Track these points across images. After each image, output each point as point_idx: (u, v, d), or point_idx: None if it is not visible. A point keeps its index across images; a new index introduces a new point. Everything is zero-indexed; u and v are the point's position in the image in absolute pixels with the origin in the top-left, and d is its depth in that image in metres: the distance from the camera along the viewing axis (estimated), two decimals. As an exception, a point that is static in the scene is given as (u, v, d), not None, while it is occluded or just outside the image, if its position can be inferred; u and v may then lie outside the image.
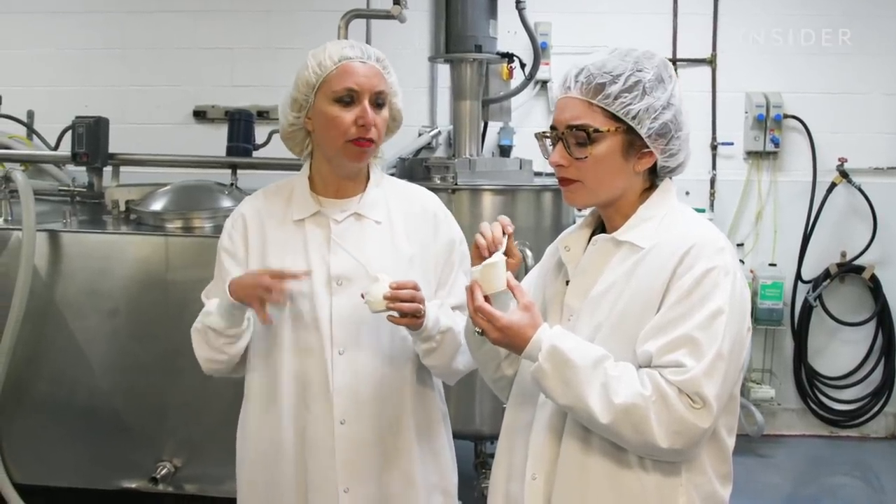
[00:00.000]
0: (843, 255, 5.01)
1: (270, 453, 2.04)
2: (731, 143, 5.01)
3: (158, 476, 3.13)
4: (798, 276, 5.02)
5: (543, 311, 1.75)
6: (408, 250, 2.04)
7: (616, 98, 1.63)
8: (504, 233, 1.72)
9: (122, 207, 3.48)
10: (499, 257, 1.68)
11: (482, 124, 4.28)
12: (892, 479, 4.68)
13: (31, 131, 4.37)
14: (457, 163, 3.77)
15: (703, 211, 4.84)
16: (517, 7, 4.22)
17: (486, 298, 1.65)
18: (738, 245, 4.97)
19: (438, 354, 1.99)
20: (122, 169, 3.74)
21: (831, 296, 5.04)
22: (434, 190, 2.24)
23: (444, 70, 4.71)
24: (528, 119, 4.90)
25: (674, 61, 4.83)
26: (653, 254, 1.64)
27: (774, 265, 4.99)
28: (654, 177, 1.72)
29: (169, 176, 3.67)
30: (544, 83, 4.91)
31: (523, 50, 4.39)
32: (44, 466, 3.23)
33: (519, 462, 1.73)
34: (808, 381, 5.08)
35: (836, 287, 5.06)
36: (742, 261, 4.84)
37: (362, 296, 1.89)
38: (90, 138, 3.52)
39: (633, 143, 1.65)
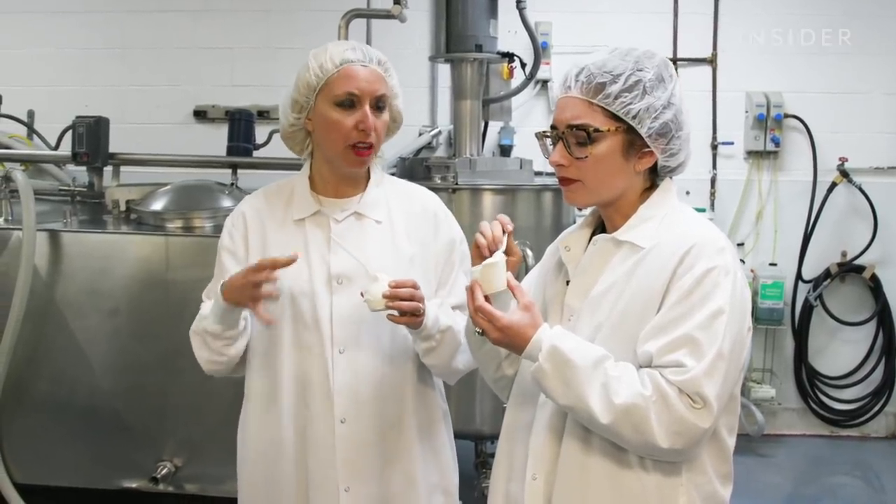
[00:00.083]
0: (844, 254, 5.01)
1: (271, 453, 2.04)
2: (732, 143, 5.01)
3: (159, 476, 3.13)
4: (798, 276, 5.02)
5: (544, 311, 1.75)
6: (408, 250, 2.04)
7: (616, 98, 1.63)
8: (504, 231, 1.72)
9: (123, 207, 3.48)
10: (499, 257, 1.68)
11: (482, 124, 4.28)
12: (892, 478, 4.67)
13: (31, 131, 4.37)
14: (457, 162, 3.77)
15: (703, 210, 4.84)
16: (518, 7, 4.22)
17: (487, 298, 1.65)
18: (739, 244, 4.97)
19: (438, 353, 1.99)
20: (123, 169, 3.74)
21: (832, 295, 5.04)
22: (434, 189, 2.24)
23: (444, 70, 4.71)
24: (528, 119, 4.90)
25: (674, 61, 4.83)
26: (653, 254, 1.63)
27: (775, 265, 4.99)
28: (654, 176, 1.72)
29: (169, 176, 3.67)
30: (545, 83, 4.91)
31: (524, 49, 4.39)
32: (44, 466, 3.23)
33: (519, 462, 1.73)
34: (808, 380, 5.08)
35: (837, 287, 5.06)
36: (742, 260, 4.83)
37: (362, 294, 1.89)
38: (90, 138, 3.53)
39: (633, 142, 1.65)
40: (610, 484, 1.63)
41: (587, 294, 1.68)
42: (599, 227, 1.78)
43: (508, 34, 4.47)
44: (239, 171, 3.70)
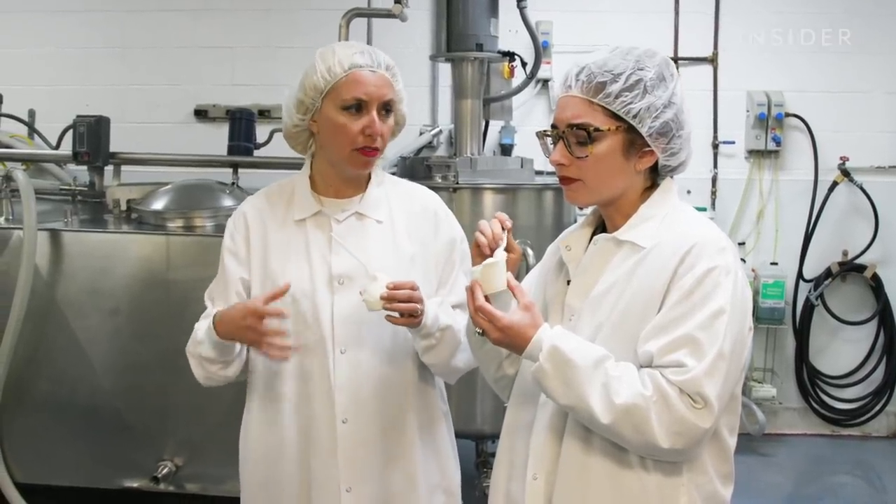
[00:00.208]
0: (845, 253, 5.01)
1: (273, 453, 2.04)
2: (733, 142, 5.01)
3: (160, 475, 3.13)
4: (800, 275, 5.01)
5: (544, 310, 1.75)
6: (409, 249, 2.04)
7: (617, 97, 1.62)
8: (503, 228, 1.72)
9: (124, 206, 3.48)
10: (499, 256, 1.68)
11: (483, 123, 4.28)
12: (893, 478, 4.67)
13: (32, 130, 4.37)
14: (458, 162, 3.76)
15: (704, 210, 4.84)
16: (518, 6, 4.22)
17: (487, 298, 1.65)
18: (740, 244, 4.96)
19: (437, 352, 1.99)
20: (124, 168, 3.75)
21: (833, 295, 5.04)
22: (435, 189, 2.24)
23: (445, 69, 4.70)
24: (529, 118, 4.90)
25: (675, 60, 4.82)
26: (654, 253, 1.63)
27: (776, 264, 4.99)
28: (655, 176, 1.72)
29: (170, 175, 3.67)
30: (545, 82, 4.91)
31: (524, 49, 4.39)
32: (45, 465, 3.23)
33: (520, 462, 1.73)
34: (809, 380, 5.07)
35: (838, 286, 5.06)
36: (743, 260, 4.84)
37: (361, 294, 1.89)
38: (91, 137, 3.53)
39: (633, 142, 1.65)
40: (610, 484, 1.62)
41: (588, 294, 1.68)
42: (600, 227, 1.77)
43: (509, 33, 4.47)
44: (240, 170, 3.70)
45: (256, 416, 2.07)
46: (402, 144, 4.52)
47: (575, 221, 2.39)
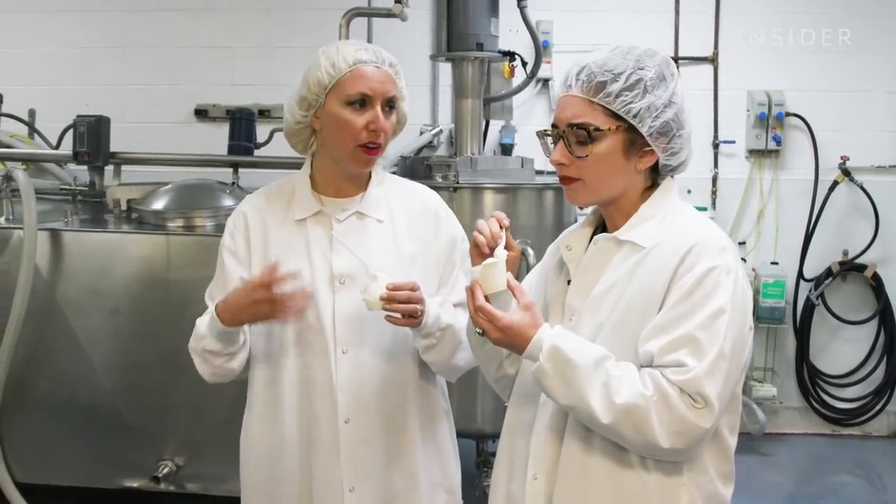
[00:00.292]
0: (845, 253, 5.01)
1: (274, 452, 2.04)
2: (733, 142, 5.01)
3: (160, 475, 3.13)
4: (800, 275, 5.01)
5: (545, 310, 1.75)
6: (409, 249, 2.04)
7: (617, 96, 1.62)
8: (501, 227, 1.72)
9: (124, 206, 3.48)
10: (499, 256, 1.68)
11: (484, 123, 4.27)
12: (894, 477, 4.67)
13: (32, 130, 4.37)
14: (458, 161, 3.76)
15: (704, 209, 4.83)
16: (519, 5, 4.22)
17: (487, 298, 1.65)
18: (740, 243, 4.96)
19: (438, 351, 1.99)
20: (124, 168, 3.75)
21: (833, 294, 5.04)
22: (436, 188, 2.24)
23: (445, 68, 4.70)
24: (529, 117, 4.90)
25: (675, 59, 4.82)
26: (654, 253, 1.63)
27: (776, 263, 4.98)
28: (655, 175, 1.72)
29: (170, 175, 3.68)
30: (546, 81, 4.90)
31: (525, 48, 4.38)
32: (45, 465, 3.23)
33: (520, 461, 1.73)
34: (809, 379, 5.07)
35: (838, 285, 5.06)
36: (744, 259, 4.83)
37: (361, 293, 1.89)
38: (91, 137, 3.53)
39: (634, 141, 1.65)
40: (611, 483, 1.62)
41: (588, 293, 1.68)
42: (600, 227, 1.77)
43: (509, 33, 4.47)
44: (240, 170, 3.70)
45: (257, 416, 2.07)
46: (402, 144, 4.52)
47: (575, 221, 2.39)
